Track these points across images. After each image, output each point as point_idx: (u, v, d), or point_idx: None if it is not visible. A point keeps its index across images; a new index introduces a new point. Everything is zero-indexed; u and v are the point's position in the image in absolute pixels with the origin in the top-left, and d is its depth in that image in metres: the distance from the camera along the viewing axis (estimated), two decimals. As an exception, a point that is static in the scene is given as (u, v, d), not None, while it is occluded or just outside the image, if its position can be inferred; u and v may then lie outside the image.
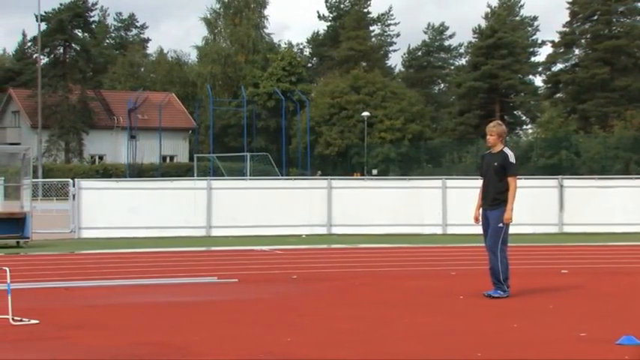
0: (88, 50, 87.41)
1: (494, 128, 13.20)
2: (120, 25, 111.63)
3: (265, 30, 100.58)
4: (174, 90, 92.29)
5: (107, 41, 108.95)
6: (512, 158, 13.07)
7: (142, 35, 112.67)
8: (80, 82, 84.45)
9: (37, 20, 74.66)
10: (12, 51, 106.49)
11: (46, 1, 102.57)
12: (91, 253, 22.23)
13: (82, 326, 10.76)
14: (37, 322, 10.86)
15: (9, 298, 10.81)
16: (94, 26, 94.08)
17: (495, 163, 13.08)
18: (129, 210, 27.21)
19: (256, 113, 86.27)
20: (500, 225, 13.03)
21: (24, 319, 10.87)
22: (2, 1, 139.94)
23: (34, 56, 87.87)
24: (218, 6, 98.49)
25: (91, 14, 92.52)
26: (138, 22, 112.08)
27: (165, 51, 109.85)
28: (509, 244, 13.31)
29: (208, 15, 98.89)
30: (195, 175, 67.70)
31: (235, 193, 28.67)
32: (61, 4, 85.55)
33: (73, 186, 27.98)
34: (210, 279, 15.96)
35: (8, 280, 10.88)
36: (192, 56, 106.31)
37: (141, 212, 27.24)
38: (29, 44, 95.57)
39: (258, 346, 9.52)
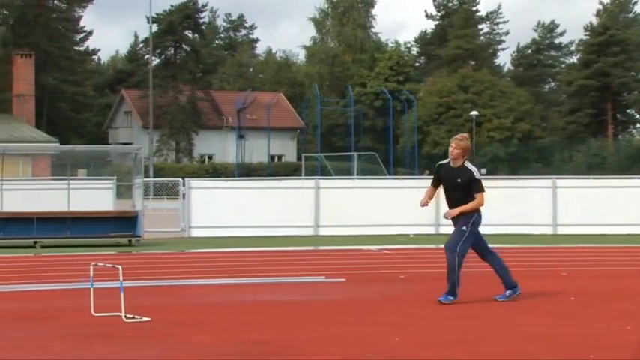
0: (197, 51, 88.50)
1: (462, 142, 12.61)
2: (229, 25, 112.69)
3: (373, 29, 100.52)
4: (283, 90, 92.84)
5: (216, 42, 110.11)
6: (476, 175, 12.63)
7: (250, 36, 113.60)
8: (190, 83, 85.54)
9: (148, 22, 75.97)
10: (124, 52, 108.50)
11: (158, 3, 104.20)
12: (201, 251, 22.50)
13: (192, 324, 10.88)
14: (148, 319, 11.02)
15: (121, 295, 10.99)
16: (203, 27, 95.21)
17: (459, 180, 12.57)
18: (237, 209, 27.42)
19: (363, 113, 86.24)
20: (464, 228, 12.72)
21: (136, 317, 11.03)
22: (115, 5, 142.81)
23: (146, 57, 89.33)
24: (326, 6, 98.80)
25: (201, 15, 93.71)
26: (247, 22, 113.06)
27: (273, 51, 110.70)
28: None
29: (316, 15, 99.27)
30: (303, 174, 68.00)
31: (343, 192, 28.69)
32: (171, 6, 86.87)
33: (183, 185, 28.36)
34: (317, 278, 15.99)
35: (120, 278, 11.06)
36: (301, 56, 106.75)
37: (249, 211, 27.43)
38: (141, 46, 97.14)
39: (365, 345, 9.51)
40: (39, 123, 72.66)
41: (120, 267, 11.22)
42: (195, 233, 27.37)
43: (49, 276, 16.36)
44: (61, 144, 57.52)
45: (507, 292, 12.81)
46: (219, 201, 27.74)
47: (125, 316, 10.94)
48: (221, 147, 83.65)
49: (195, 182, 29.20)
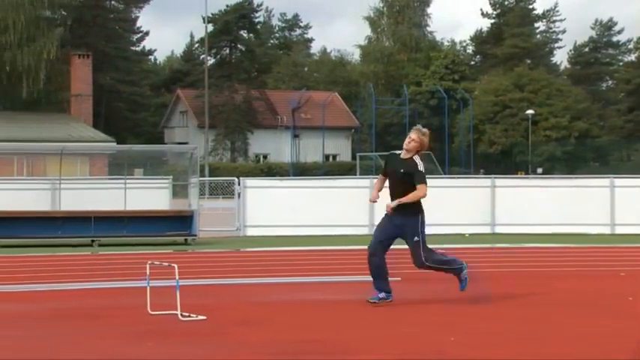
0: (252, 51, 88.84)
1: (423, 137, 12.33)
2: (284, 25, 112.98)
3: (428, 28, 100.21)
4: (337, 89, 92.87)
5: (271, 41, 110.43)
6: (420, 167, 12.28)
7: (305, 35, 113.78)
8: (245, 82, 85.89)
9: (204, 22, 76.34)
10: (180, 52, 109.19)
11: (213, 3, 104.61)
12: (256, 250, 22.56)
13: (246, 323, 10.91)
14: (204, 318, 11.06)
15: (177, 294, 11.05)
16: (259, 27, 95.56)
17: (402, 170, 12.24)
18: (292, 208, 27.46)
19: (418, 112, 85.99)
20: (416, 238, 12.39)
21: (192, 315, 11.08)
22: (171, 5, 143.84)
23: (201, 57, 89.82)
24: (381, 5, 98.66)
25: (256, 15, 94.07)
26: (302, 22, 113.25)
27: (328, 50, 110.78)
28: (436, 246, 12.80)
29: (371, 14, 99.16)
30: (358, 173, 67.96)
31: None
32: (227, 6, 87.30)
33: (238, 184, 28.46)
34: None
35: (176, 277, 11.12)
36: (355, 55, 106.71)
37: (304, 211, 27.45)
38: (196, 45, 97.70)
39: (421, 345, 9.47)
40: (96, 123, 73.38)
41: (176, 266, 11.28)
42: (250, 232, 27.46)
43: (107, 274, 16.50)
44: (117, 143, 58.07)
45: (382, 295, 12.36)
46: (274, 200, 27.80)
47: (181, 315, 10.99)
48: (276, 146, 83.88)
49: (250, 181, 29.30)
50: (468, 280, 12.56)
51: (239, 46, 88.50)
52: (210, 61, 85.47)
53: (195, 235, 25.01)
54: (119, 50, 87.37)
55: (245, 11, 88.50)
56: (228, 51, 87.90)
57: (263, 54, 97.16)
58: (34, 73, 68.09)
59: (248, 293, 14.05)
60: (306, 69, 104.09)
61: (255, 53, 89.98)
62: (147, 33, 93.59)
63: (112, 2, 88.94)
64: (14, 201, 25.07)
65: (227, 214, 29.87)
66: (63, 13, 79.49)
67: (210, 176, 55.68)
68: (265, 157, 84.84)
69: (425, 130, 12.49)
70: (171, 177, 29.58)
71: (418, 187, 12.17)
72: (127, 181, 28.13)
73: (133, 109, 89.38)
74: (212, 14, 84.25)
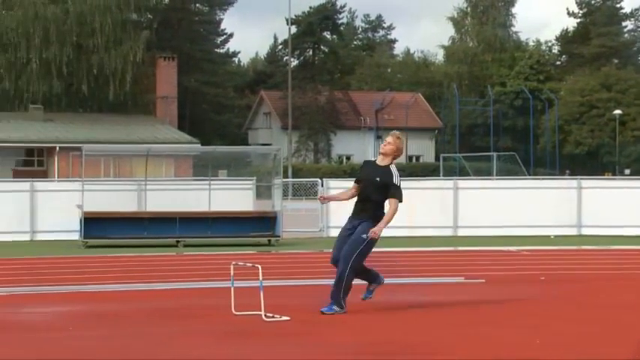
0: (336, 52, 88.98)
1: (398, 141, 11.93)
2: (367, 26, 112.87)
3: (513, 28, 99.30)
4: (421, 90, 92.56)
5: (355, 42, 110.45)
6: (397, 181, 11.70)
7: (388, 36, 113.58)
8: (328, 84, 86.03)
9: (287, 24, 76.67)
10: (264, 54, 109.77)
11: (297, 4, 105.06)
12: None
13: (330, 324, 10.94)
14: (287, 318, 11.11)
15: (261, 294, 11.11)
16: (342, 28, 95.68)
17: (377, 179, 11.64)
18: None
19: (503, 112, 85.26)
20: (364, 236, 11.55)
21: (275, 316, 11.14)
22: (255, 7, 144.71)
23: (285, 59, 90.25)
24: (465, 5, 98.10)
25: (340, 16, 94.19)
26: (385, 23, 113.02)
27: (411, 51, 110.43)
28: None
29: (455, 14, 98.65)
30: (442, 175, 67.64)
31: (482, 193, 28.43)
32: (310, 8, 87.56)
33: (322, 185, 28.51)
34: (456, 279, 15.88)
35: (260, 277, 11.19)
36: (439, 56, 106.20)
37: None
38: (280, 47, 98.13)
39: (505, 347, 9.39)
40: (181, 124, 74.14)
41: (259, 266, 11.34)
42: (334, 233, 27.41)
43: (191, 275, 16.67)
44: (202, 145, 58.59)
45: (335, 308, 11.70)
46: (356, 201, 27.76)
47: (265, 315, 11.05)
48: (359, 147, 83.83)
49: (333, 182, 29.33)
50: (373, 292, 12.10)
51: (322, 47, 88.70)
52: (294, 62, 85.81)
53: (279, 236, 25.12)
54: (204, 52, 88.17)
55: (328, 12, 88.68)
56: (311, 52, 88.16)
57: (346, 55, 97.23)
58: (120, 75, 69.04)
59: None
60: (389, 70, 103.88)
61: (339, 54, 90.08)
62: (231, 35, 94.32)
63: (197, 5, 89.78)
64: (101, 202, 25.44)
65: (310, 215, 29.97)
66: (149, 16, 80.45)
67: (293, 177, 55.90)
68: (348, 158, 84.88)
69: (400, 134, 12.23)
70: (254, 178, 29.77)
71: (391, 201, 11.62)
72: (212, 182, 28.38)
73: (217, 110, 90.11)
74: (296, 16, 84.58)
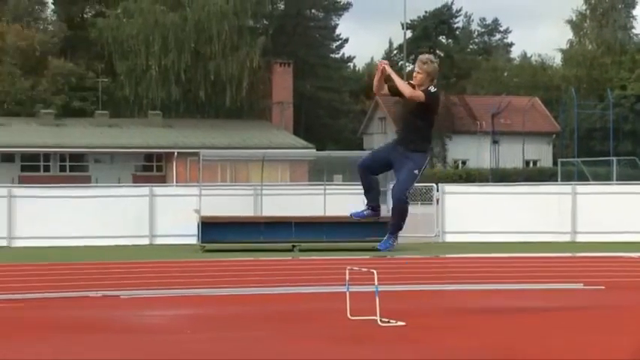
0: (451, 56, 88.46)
1: (425, 65, 11.22)
2: (483, 30, 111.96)
3: (633, 30, 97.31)
4: (538, 94, 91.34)
5: (471, 47, 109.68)
6: (432, 88, 11.21)
7: (505, 40, 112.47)
8: (444, 88, 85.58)
9: (403, 28, 76.61)
10: (379, 59, 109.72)
11: (412, 9, 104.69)
12: (455, 256, 22.44)
13: (446, 329, 10.87)
14: (403, 323, 11.08)
15: (376, 299, 11.09)
16: (458, 32, 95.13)
17: (415, 103, 11.07)
18: (492, 214, 27.16)
19: (623, 116, 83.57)
20: (416, 172, 11.30)
21: (391, 321, 11.11)
22: (370, 12, 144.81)
23: (400, 63, 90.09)
24: (584, 8, 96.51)
25: (456, 20, 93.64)
26: (501, 26, 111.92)
27: (528, 55, 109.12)
28: None
29: (574, 17, 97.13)
30: (559, 179, 66.61)
31: (601, 198, 27.91)
32: (426, 12, 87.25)
33: (437, 190, 28.37)
34: (575, 285, 15.61)
35: (375, 282, 11.17)
36: (557, 59, 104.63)
37: (504, 217, 27.11)
38: (395, 52, 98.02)
39: (617, 353, 9.19)
40: (297, 129, 74.67)
41: (374, 271, 11.33)
42: (449, 238, 27.33)
43: (307, 279, 16.76)
44: (317, 150, 58.90)
45: (367, 212, 11.93)
46: (473, 206, 27.58)
47: (380, 320, 11.04)
48: (475, 152, 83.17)
49: (449, 187, 29.17)
50: (390, 247, 11.88)
51: (438, 51, 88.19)
52: (409, 67, 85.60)
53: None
54: (319, 58, 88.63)
55: (444, 17, 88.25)
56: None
57: (462, 59, 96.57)
58: (237, 81, 69.87)
59: (447, 299, 13.99)
60: (505, 74, 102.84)
61: (454, 59, 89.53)
62: (346, 40, 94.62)
63: (313, 11, 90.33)
64: (218, 206, 25.78)
65: (426, 220, 29.82)
66: (265, 22, 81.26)
67: (409, 182, 55.61)
68: (464, 162, 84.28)
69: (425, 56, 11.51)
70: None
71: (416, 89, 11.10)
72: (327, 187, 28.48)
73: (332, 115, 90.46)
74: (411, 20, 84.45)
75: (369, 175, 11.77)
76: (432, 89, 11.21)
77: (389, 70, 11.16)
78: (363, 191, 12.01)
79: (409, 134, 11.38)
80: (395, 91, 11.34)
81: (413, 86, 11.29)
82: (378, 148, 12.23)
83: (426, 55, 11.51)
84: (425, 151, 11.45)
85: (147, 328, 11.45)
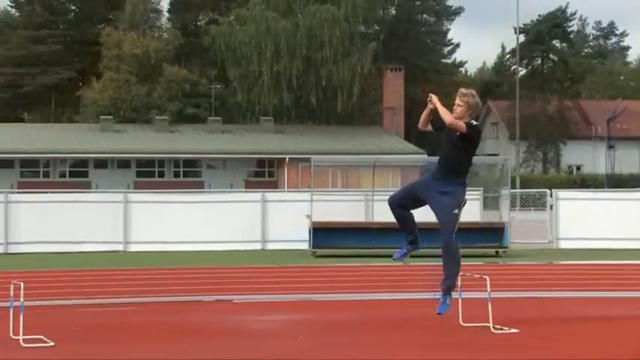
0: (566, 60, 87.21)
1: (465, 98, 10.88)
2: (599, 33, 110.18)
3: None
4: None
5: (585, 50, 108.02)
6: (474, 122, 10.88)
7: (621, 43, 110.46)
8: (557, 93, 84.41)
9: (515, 32, 75.66)
10: (491, 64, 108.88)
11: (525, 13, 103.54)
12: (569, 263, 22.05)
13: (560, 337, 10.70)
14: (516, 331, 10.93)
15: (489, 306, 10.96)
16: (572, 36, 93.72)
17: (457, 134, 10.80)
18: (608, 220, 26.62)
19: None
20: (456, 212, 11.10)
21: (504, 328, 10.97)
22: (482, 16, 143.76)
23: (512, 68, 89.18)
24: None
25: (570, 24, 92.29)
26: (617, 29, 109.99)
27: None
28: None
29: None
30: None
31: None
32: (539, 16, 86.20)
33: (551, 196, 27.95)
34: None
35: (488, 289, 11.04)
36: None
37: (620, 223, 26.55)
38: (507, 56, 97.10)
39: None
40: (408, 135, 74.47)
41: (487, 277, 11.20)
42: (564, 245, 26.88)
43: (418, 285, 16.65)
44: (428, 155, 58.60)
45: (449, 302, 11.24)
46: (588, 212, 27.07)
47: (493, 327, 10.91)
48: (590, 157, 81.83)
49: (563, 193, 28.71)
50: (448, 307, 11.21)
51: (551, 55, 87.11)
52: (522, 71, 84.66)
53: (507, 247, 24.79)
54: (431, 63, 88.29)
55: (558, 20, 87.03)
56: (540, 61, 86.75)
57: (576, 63, 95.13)
58: (348, 87, 70.06)
59: (562, 307, 13.75)
60: (622, 78, 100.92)
61: (568, 63, 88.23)
62: (458, 45, 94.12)
63: (424, 16, 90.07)
64: (330, 211, 25.82)
65: (539, 226, 29.43)
66: (376, 27, 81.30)
67: (521, 188, 55.08)
68: (579, 168, 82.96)
69: (467, 90, 11.13)
70: (481, 188, 29.50)
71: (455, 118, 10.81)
72: (438, 192, 28.27)
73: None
74: (524, 24, 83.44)
75: (400, 211, 11.54)
76: (474, 122, 10.96)
77: (439, 105, 10.98)
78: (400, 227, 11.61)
79: (447, 168, 11.10)
80: (437, 126, 11.16)
81: (445, 144, 11.16)
82: (411, 182, 11.91)
83: (467, 89, 11.17)
84: (463, 184, 11.19)
85: (259, 332, 11.52)
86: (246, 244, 26.85)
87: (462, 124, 10.79)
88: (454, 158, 11.07)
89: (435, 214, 11.33)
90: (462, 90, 11.14)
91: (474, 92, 11.09)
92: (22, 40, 78.49)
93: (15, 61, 77.93)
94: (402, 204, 11.53)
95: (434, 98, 10.99)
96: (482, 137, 11.31)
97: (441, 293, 11.31)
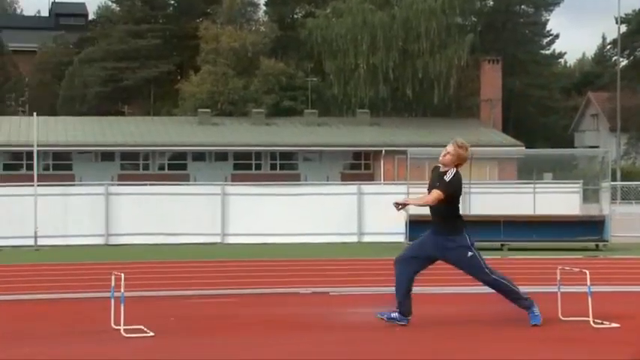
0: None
1: (459, 149, 11.14)
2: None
3: None
4: None
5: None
6: (448, 177, 10.98)
7: None
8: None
9: (617, 23, 74.37)
10: (591, 55, 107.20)
11: (627, 3, 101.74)
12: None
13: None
14: (617, 325, 10.77)
15: (589, 300, 10.81)
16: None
17: (438, 183, 10.99)
18: None
19: None
20: (470, 254, 11.00)
21: (604, 322, 10.82)
22: (582, 7, 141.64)
23: (613, 59, 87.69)
24: None
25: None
26: None
27: None
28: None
29: None
30: None
31: None
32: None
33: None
34: None
35: (588, 283, 10.89)
36: None
37: None
38: (608, 47, 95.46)
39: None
40: (505, 127, 73.72)
41: (587, 272, 11.04)
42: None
43: (517, 279, 16.43)
44: (526, 148, 57.98)
45: (395, 315, 11.02)
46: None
47: (593, 322, 10.76)
48: (694, 149, 79.99)
49: (665, 186, 28.15)
50: (539, 316, 10.93)
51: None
52: (623, 62, 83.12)
53: (607, 241, 24.41)
54: (529, 54, 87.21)
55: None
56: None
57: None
58: (444, 79, 69.57)
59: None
60: None
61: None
62: (557, 36, 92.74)
63: (522, 7, 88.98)
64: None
65: (640, 220, 28.93)
66: (473, 19, 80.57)
67: (622, 180, 54.16)
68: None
69: (462, 142, 11.23)
70: (581, 181, 29.07)
71: (434, 191, 11.02)
72: (536, 185, 27.98)
73: (542, 113, 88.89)
74: (625, 14, 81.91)
75: (404, 273, 11.22)
76: (449, 177, 11.08)
77: (411, 202, 11.76)
78: (394, 289, 11.33)
79: (441, 223, 11.22)
80: (434, 185, 11.27)
81: (431, 186, 11.26)
82: (414, 242, 11.80)
83: (463, 142, 11.31)
84: (460, 229, 11.28)
85: (355, 325, 11.53)
86: (343, 236, 26.92)
87: (439, 195, 10.96)
88: (443, 214, 11.22)
89: (458, 268, 11.38)
90: (459, 141, 11.29)
91: (468, 146, 11.34)
92: (123, 35, 79.69)
93: (116, 55, 79.17)
94: (411, 262, 11.30)
95: (400, 205, 11.22)
96: (462, 184, 11.42)
97: (525, 311, 11.16)
